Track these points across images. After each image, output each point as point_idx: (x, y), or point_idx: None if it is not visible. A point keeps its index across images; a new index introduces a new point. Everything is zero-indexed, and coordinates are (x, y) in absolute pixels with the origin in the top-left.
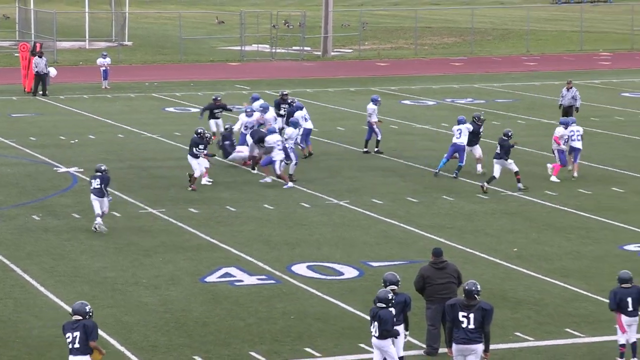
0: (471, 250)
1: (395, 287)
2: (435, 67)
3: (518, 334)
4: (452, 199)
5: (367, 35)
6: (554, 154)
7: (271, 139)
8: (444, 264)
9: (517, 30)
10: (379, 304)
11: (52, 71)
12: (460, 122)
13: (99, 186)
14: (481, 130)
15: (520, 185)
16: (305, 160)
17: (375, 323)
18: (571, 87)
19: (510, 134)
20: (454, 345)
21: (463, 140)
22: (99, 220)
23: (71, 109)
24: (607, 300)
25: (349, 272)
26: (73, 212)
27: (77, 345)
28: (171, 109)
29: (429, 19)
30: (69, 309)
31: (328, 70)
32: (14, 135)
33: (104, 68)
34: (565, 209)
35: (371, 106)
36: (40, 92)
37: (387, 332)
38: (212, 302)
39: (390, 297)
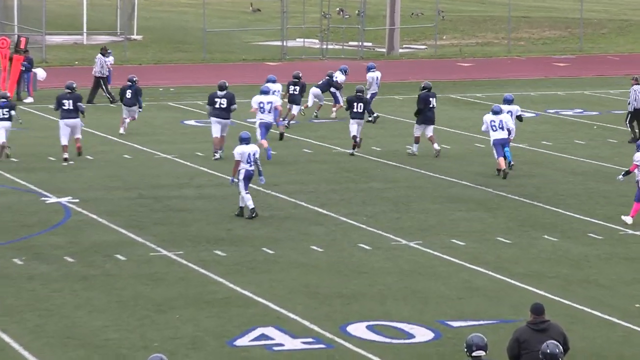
0: (580, 307)
1: (482, 353)
2: (534, 68)
3: None
4: (556, 239)
5: (445, 27)
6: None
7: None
8: (545, 324)
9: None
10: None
11: (40, 73)
12: None
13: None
14: None
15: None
16: (365, 190)
17: None
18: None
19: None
20: None
21: None
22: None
23: None
24: None
25: (422, 334)
26: (65, 254)
27: None
28: (192, 122)
29: (525, 7)
30: None
31: (395, 73)
32: None
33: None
34: None
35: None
36: (110, 99)
37: None
38: None
39: None
